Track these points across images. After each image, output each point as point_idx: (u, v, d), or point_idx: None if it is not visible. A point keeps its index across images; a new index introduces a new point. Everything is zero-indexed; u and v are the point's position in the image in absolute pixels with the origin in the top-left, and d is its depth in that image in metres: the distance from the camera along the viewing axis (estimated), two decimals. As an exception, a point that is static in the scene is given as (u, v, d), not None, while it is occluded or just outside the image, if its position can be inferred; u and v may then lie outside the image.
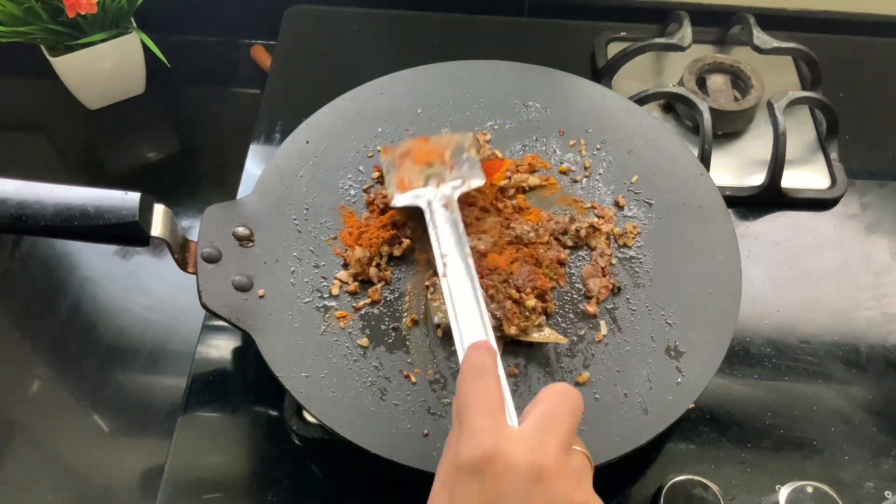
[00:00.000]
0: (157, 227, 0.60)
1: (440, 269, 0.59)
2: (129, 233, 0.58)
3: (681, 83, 0.86)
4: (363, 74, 0.77)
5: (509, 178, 0.70)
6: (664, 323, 0.63)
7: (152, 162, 0.94)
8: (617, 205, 0.70)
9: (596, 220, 0.68)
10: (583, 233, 0.67)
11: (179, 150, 0.96)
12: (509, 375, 0.60)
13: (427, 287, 0.64)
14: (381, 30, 0.95)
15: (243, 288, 0.62)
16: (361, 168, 0.71)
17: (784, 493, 0.59)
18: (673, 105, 0.86)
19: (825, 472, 0.64)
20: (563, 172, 0.72)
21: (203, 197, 0.89)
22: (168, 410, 0.75)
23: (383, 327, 0.62)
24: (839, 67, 0.90)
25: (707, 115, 0.78)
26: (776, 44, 0.85)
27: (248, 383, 0.68)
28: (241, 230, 0.65)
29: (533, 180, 0.71)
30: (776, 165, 0.78)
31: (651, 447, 0.60)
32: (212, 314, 0.61)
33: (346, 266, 0.65)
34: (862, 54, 0.95)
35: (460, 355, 0.52)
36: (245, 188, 0.78)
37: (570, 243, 0.67)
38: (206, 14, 1.01)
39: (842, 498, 0.59)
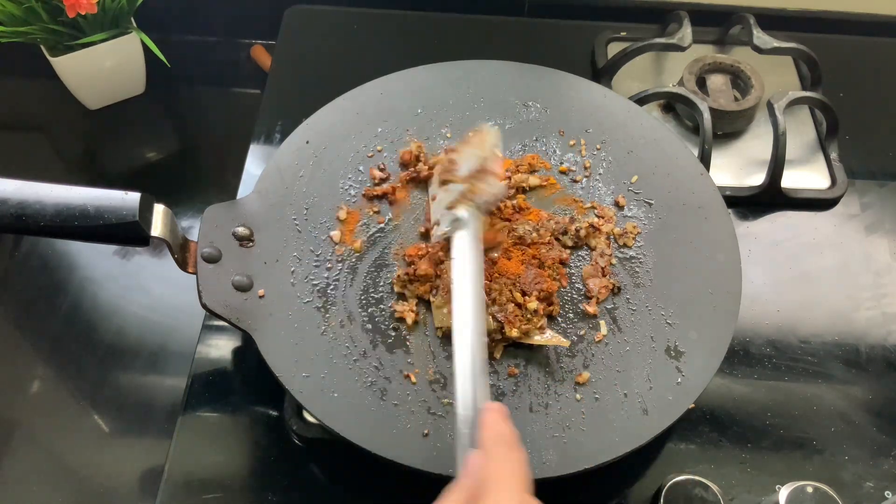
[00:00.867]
0: (157, 227, 0.60)
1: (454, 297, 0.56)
2: (129, 233, 0.58)
3: (681, 83, 0.86)
4: (363, 74, 0.77)
5: (509, 178, 0.70)
6: (664, 323, 0.63)
7: (152, 162, 0.94)
8: (617, 205, 0.70)
9: (596, 220, 0.68)
10: (583, 233, 0.67)
11: (179, 150, 0.96)
12: (509, 375, 0.60)
13: (430, 290, 0.64)
14: (381, 30, 0.95)
15: (243, 288, 0.62)
16: (361, 168, 0.71)
17: (784, 493, 0.59)
18: (673, 105, 0.86)
19: (825, 472, 0.64)
20: (563, 172, 0.72)
21: (203, 197, 0.89)
22: (168, 410, 0.75)
23: (383, 327, 0.62)
24: (839, 67, 0.90)
25: (707, 115, 0.78)
26: (776, 44, 0.85)
27: (248, 383, 0.68)
28: (241, 230, 0.65)
29: (533, 180, 0.71)
30: (776, 165, 0.78)
31: (651, 447, 0.60)
32: (212, 314, 0.61)
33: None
34: (862, 54, 0.95)
35: (460, 390, 0.50)
36: (245, 188, 0.78)
37: (570, 243, 0.67)
38: (206, 14, 1.01)
39: (842, 498, 0.59)
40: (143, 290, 0.83)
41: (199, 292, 0.61)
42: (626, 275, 0.66)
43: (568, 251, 0.66)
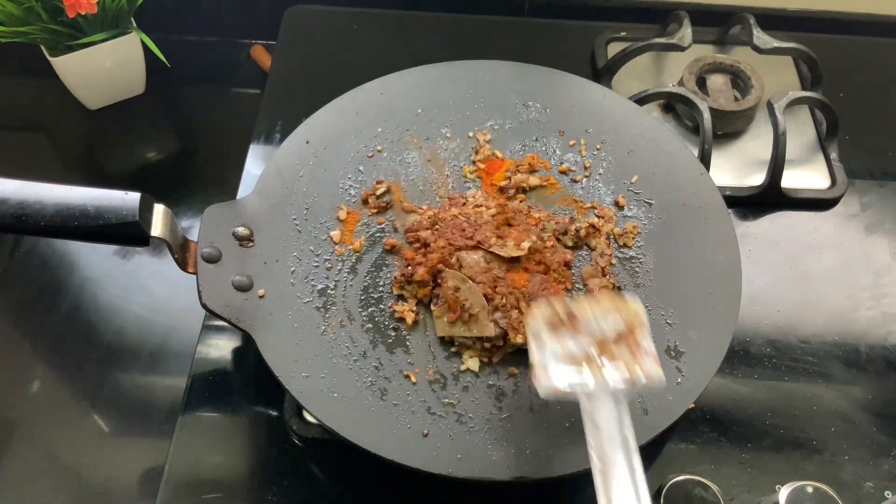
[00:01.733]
0: (157, 227, 0.60)
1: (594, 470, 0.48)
2: (129, 233, 0.58)
3: (681, 83, 0.86)
4: (363, 74, 0.77)
5: (509, 178, 0.70)
6: (664, 323, 0.63)
7: (152, 162, 0.94)
8: (617, 205, 0.70)
9: (596, 220, 0.68)
10: (583, 233, 0.67)
11: (179, 150, 0.96)
12: (509, 375, 0.60)
13: (432, 300, 0.63)
14: (381, 30, 0.95)
15: (243, 288, 0.62)
16: (361, 168, 0.71)
17: (784, 493, 0.59)
18: (673, 105, 0.86)
19: (825, 472, 0.64)
20: (563, 172, 0.72)
21: (203, 197, 0.89)
22: (168, 410, 0.75)
23: (383, 327, 0.62)
24: (839, 67, 0.90)
25: (707, 115, 0.78)
26: (776, 44, 0.85)
27: (248, 383, 0.68)
28: (241, 230, 0.65)
29: (533, 180, 0.71)
30: (776, 165, 0.78)
31: (651, 447, 0.60)
32: (212, 314, 0.61)
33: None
34: (862, 54, 0.95)
35: None
36: (245, 188, 0.78)
37: (570, 243, 0.67)
38: (206, 14, 1.01)
39: (842, 498, 0.59)
40: (143, 290, 0.83)
41: (199, 292, 0.61)
42: (626, 275, 0.66)
43: (571, 252, 0.66)
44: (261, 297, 0.62)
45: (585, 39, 0.94)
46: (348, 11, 0.96)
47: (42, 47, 0.87)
